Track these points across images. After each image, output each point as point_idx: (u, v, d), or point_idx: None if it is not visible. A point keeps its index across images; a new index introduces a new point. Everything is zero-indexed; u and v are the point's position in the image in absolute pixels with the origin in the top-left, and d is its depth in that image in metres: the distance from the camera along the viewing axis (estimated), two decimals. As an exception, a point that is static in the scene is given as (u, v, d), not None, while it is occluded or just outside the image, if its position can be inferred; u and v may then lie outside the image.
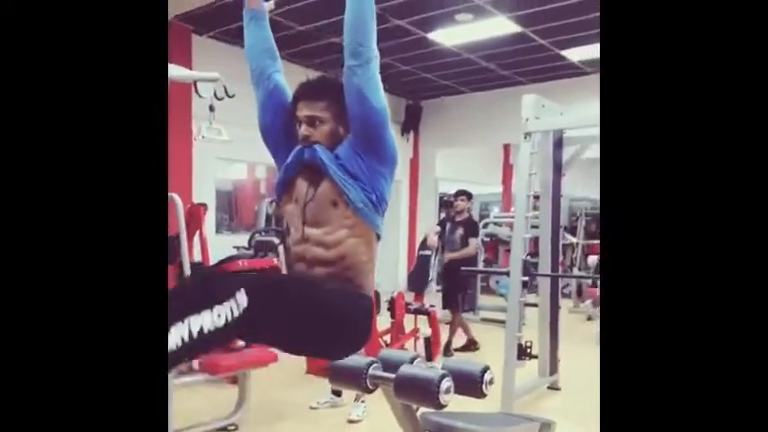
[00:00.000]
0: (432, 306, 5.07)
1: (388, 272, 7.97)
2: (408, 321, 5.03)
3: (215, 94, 3.14)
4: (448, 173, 10.25)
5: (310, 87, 1.71)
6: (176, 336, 1.29)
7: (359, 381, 1.96)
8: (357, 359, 2.04)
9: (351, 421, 3.47)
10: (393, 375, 1.89)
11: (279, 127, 1.75)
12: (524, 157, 3.72)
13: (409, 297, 5.23)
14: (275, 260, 5.01)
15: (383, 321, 4.92)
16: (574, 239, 8.54)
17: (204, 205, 4.61)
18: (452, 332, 5.42)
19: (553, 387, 4.30)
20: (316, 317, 1.59)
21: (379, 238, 1.74)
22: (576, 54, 7.37)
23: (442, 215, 10.56)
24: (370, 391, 2.03)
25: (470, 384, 2.00)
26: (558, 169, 4.11)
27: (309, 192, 1.68)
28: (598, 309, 6.59)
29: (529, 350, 3.84)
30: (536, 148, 3.79)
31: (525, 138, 3.72)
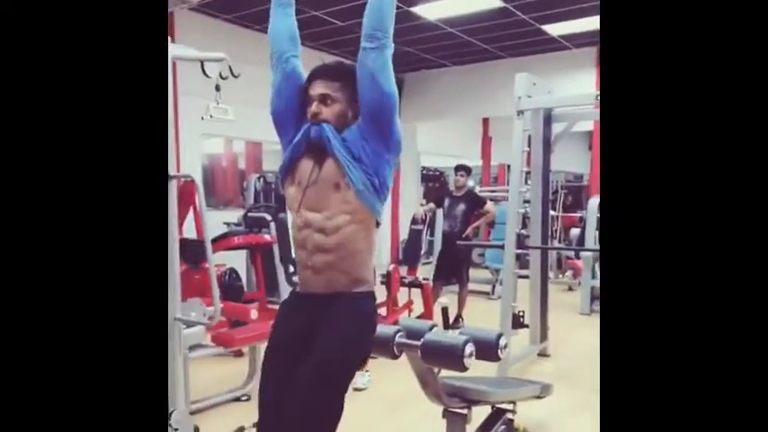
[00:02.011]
0: (425, 279, 5.28)
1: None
2: (402, 294, 5.23)
3: (220, 74, 3.24)
4: (429, 146, 10.38)
5: (327, 68, 1.78)
6: None
7: (387, 348, 2.13)
8: (384, 329, 2.21)
9: (356, 389, 3.66)
10: (418, 343, 2.08)
11: (292, 110, 1.80)
12: (518, 134, 3.90)
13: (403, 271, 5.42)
14: (268, 236, 5.15)
15: (378, 294, 5.12)
16: (553, 213, 8.82)
17: (193, 181, 4.65)
18: (461, 304, 5.53)
19: (543, 354, 4.55)
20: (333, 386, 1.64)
21: (378, 225, 1.79)
22: (556, 29, 7.54)
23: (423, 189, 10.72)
24: (396, 357, 2.21)
25: (488, 349, 2.20)
26: (547, 145, 4.30)
27: (313, 173, 1.72)
28: (578, 280, 6.87)
29: (522, 320, 4.07)
30: (528, 125, 3.97)
31: (518, 115, 3.89)
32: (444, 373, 2.24)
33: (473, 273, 6.72)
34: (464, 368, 2.00)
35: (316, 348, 1.64)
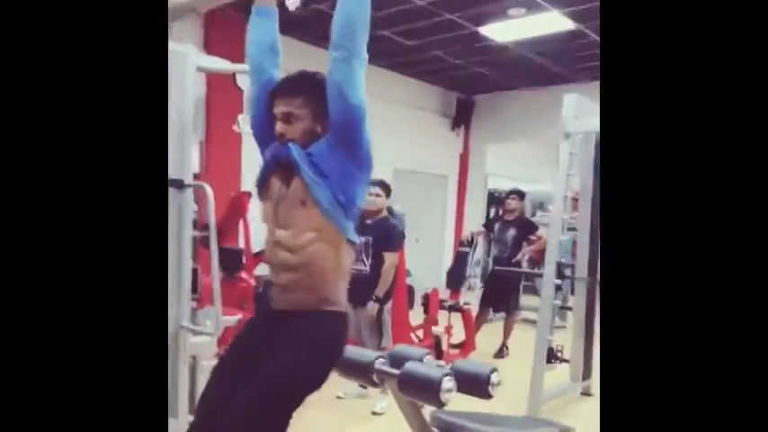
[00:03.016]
0: (467, 304, 5.07)
1: (430, 268, 7.96)
2: (443, 318, 5.05)
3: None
4: (498, 169, 10.13)
5: (288, 83, 1.70)
6: None
7: (366, 374, 2.01)
8: (365, 353, 2.09)
9: (374, 413, 3.53)
10: (398, 371, 1.93)
11: (269, 123, 1.73)
12: (563, 156, 3.67)
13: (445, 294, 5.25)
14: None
15: (417, 317, 4.97)
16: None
17: (249, 193, 4.71)
18: (507, 334, 5.28)
19: (586, 393, 4.24)
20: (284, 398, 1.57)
21: (351, 243, 1.71)
22: (634, 51, 7.17)
23: (494, 212, 10.48)
24: (377, 385, 2.07)
25: (477, 385, 2.02)
26: (597, 170, 4.03)
27: (282, 190, 1.68)
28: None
29: (559, 353, 3.80)
30: (576, 149, 3.73)
31: (565, 138, 3.67)
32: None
33: (529, 300, 6.42)
34: (441, 403, 1.84)
35: (260, 373, 1.55)
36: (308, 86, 1.68)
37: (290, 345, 1.60)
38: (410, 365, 1.92)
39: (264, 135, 1.77)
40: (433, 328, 3.72)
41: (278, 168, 1.70)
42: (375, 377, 1.98)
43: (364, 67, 1.62)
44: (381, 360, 2.01)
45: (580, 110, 3.74)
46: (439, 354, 2.65)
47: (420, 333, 4.63)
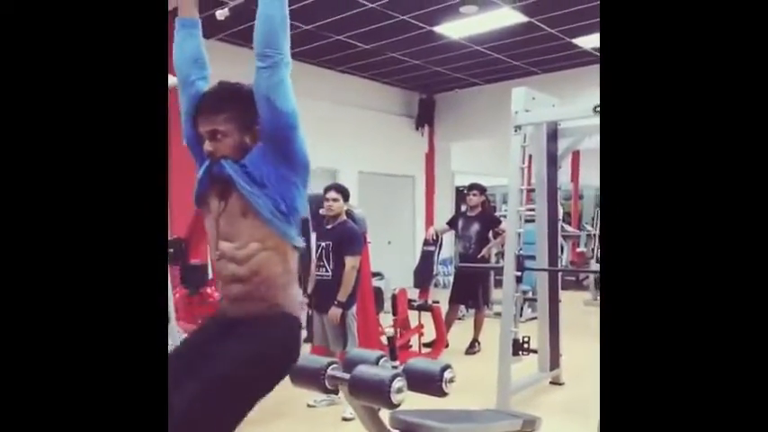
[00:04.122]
0: (435, 302, 5.09)
1: (402, 269, 7.96)
2: (414, 318, 5.06)
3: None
4: (464, 166, 10.20)
5: (209, 99, 1.66)
6: None
7: (317, 381, 2.00)
8: (317, 359, 2.07)
9: (345, 419, 3.51)
10: (348, 376, 1.93)
11: (196, 139, 1.70)
12: (514, 150, 3.70)
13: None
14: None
15: (387, 318, 4.97)
16: (591, 230, 8.44)
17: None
18: (477, 329, 5.31)
19: (555, 382, 4.27)
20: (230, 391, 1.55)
21: (296, 248, 1.70)
22: (588, 42, 7.25)
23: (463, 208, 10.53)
24: (329, 392, 2.06)
25: (430, 383, 2.02)
26: (552, 161, 4.07)
27: (221, 205, 1.66)
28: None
29: (526, 345, 3.82)
30: (527, 141, 3.77)
31: (515, 131, 3.70)
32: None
33: (500, 294, 6.47)
34: (392, 405, 1.84)
35: (208, 366, 1.55)
36: (229, 101, 1.64)
37: (239, 340, 1.60)
38: (360, 369, 1.92)
39: (197, 152, 1.74)
40: (386, 329, 3.71)
41: (214, 184, 1.68)
42: (327, 383, 1.97)
43: (289, 71, 1.60)
44: (334, 366, 2.00)
45: (530, 102, 3.76)
46: (393, 355, 2.65)
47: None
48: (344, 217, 3.84)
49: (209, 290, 4.39)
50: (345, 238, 3.74)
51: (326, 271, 3.74)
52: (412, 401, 2.00)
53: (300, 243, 1.73)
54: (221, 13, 1.95)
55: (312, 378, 2.00)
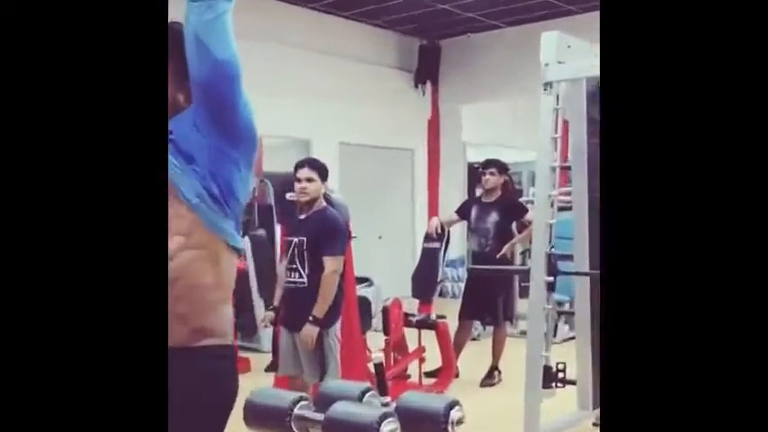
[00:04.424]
0: (441, 317, 5.10)
1: (396, 272, 8.00)
2: (412, 338, 5.07)
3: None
4: (478, 136, 10.22)
5: None
6: None
7: (281, 423, 1.99)
8: (280, 395, 2.07)
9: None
10: (322, 416, 1.92)
11: None
12: (545, 115, 3.71)
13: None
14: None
15: (376, 338, 4.98)
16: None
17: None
18: (497, 353, 5.34)
19: (599, 424, 4.31)
20: None
21: (234, 250, 1.70)
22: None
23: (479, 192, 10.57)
24: (299, 437, 2.07)
25: (431, 425, 2.02)
26: (595, 130, 4.07)
27: None
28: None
29: (561, 374, 3.85)
30: (561, 103, 3.77)
31: (546, 89, 3.70)
32: None
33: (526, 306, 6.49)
34: (379, 455, 1.84)
35: None
36: None
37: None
38: (338, 407, 1.90)
39: None
40: (374, 353, 3.72)
41: None
42: (294, 426, 1.97)
43: (232, 5, 1.56)
44: (303, 403, 2.00)
45: (564, 51, 3.77)
46: (382, 388, 2.62)
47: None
48: (323, 203, 3.81)
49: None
50: (325, 232, 3.72)
51: (300, 276, 3.73)
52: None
53: (239, 244, 1.72)
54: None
55: (273, 419, 1.98)
